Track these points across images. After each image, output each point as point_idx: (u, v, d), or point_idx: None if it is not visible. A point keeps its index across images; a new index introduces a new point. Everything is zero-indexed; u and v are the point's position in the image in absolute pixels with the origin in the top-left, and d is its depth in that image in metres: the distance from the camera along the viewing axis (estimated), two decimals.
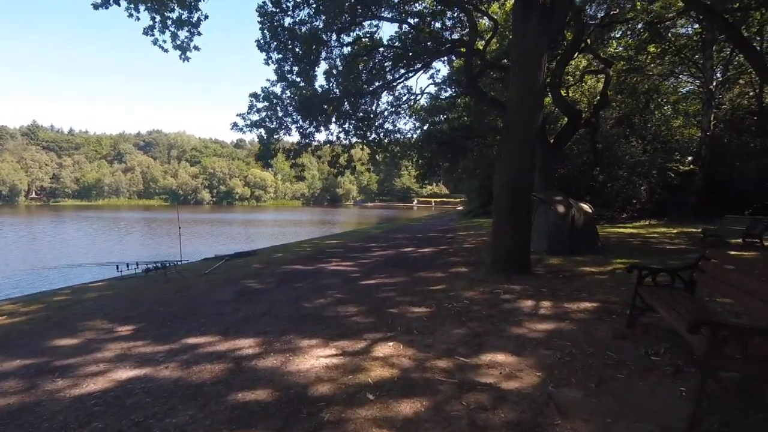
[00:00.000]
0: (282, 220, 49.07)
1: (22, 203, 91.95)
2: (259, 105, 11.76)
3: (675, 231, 14.73)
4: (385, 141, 19.38)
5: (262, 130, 11.89)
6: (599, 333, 4.03)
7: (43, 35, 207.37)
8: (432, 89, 19.93)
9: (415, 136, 23.78)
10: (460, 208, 63.22)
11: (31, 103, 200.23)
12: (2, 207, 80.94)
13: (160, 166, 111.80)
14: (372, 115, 15.98)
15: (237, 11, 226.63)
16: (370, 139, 16.63)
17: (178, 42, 8.49)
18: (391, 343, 3.94)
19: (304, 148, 13.37)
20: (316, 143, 13.71)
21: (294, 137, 13.21)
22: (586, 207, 10.17)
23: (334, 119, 13.72)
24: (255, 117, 11.91)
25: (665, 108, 26.49)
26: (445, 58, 19.60)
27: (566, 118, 16.55)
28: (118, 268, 7.60)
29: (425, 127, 23.69)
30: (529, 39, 6.85)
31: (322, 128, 13.52)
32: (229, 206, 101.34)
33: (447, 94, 21.74)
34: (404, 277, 7.57)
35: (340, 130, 14.59)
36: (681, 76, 25.12)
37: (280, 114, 12.10)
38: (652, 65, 21.88)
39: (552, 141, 16.51)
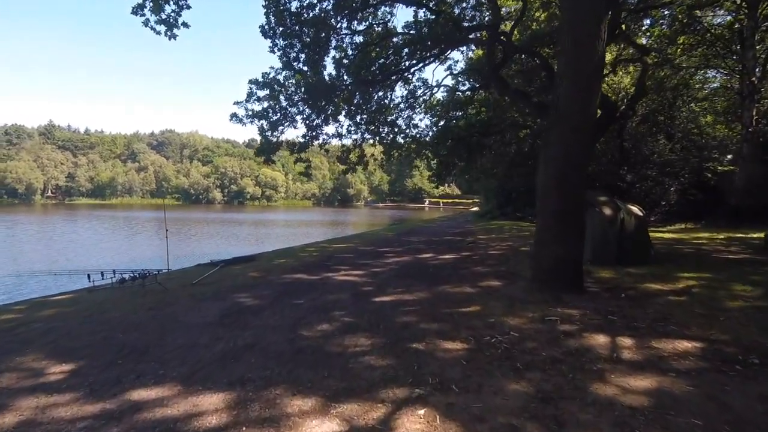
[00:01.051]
0: (291, 221, 48.15)
1: (38, 202, 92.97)
2: (261, 93, 10.61)
3: (722, 236, 13.15)
4: (399, 138, 18.11)
5: (264, 122, 10.69)
6: (734, 401, 2.69)
7: (66, 36, 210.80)
8: (449, 80, 18.59)
9: (430, 133, 22.45)
10: (475, 209, 61.54)
11: (49, 104, 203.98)
12: (19, 205, 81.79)
13: (173, 165, 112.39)
14: (385, 109, 14.72)
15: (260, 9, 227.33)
16: (383, 134, 15.37)
17: (164, 16, 7.34)
18: (422, 411, 2.67)
19: (311, 141, 12.12)
20: (324, 137, 12.48)
21: (299, 130, 11.99)
22: (635, 209, 8.75)
23: (344, 113, 12.48)
24: (256, 107, 10.73)
25: (694, 105, 24.86)
26: (464, 47, 18.30)
27: (599, 111, 15.09)
28: (89, 278, 6.45)
29: (441, 124, 22.35)
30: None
31: (330, 120, 12.25)
32: (240, 206, 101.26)
33: (464, 88, 20.40)
34: (426, 293, 6.29)
35: (351, 123, 13.34)
36: (712, 70, 23.39)
37: (284, 103, 10.88)
38: (682, 58, 20.28)
39: None
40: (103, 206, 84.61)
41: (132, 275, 6.61)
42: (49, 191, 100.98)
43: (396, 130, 17.32)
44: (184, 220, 45.24)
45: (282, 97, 10.77)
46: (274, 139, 11.13)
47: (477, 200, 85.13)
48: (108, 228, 34.91)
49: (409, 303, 5.64)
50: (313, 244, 14.69)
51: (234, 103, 10.50)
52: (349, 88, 11.36)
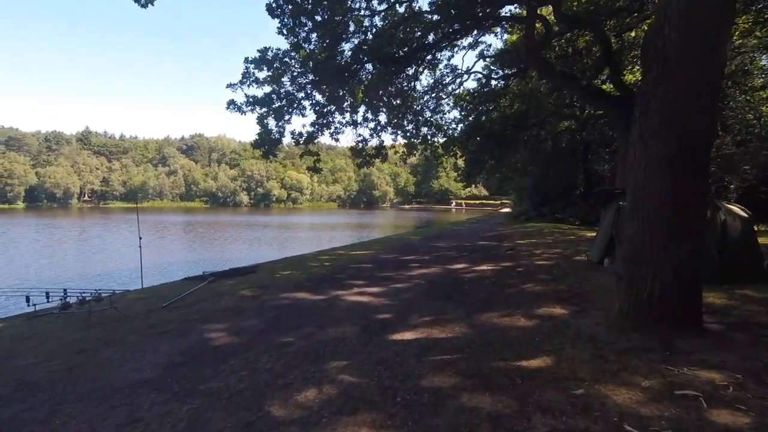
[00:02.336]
0: (315, 224, 47.11)
1: (75, 205, 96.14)
2: (261, 75, 9.04)
3: None
4: (424, 129, 16.32)
5: (266, 109, 9.10)
6: None
7: (104, 41, 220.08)
8: (480, 66, 16.72)
9: (459, 128, 20.53)
10: (506, 210, 58.80)
11: (86, 108, 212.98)
12: (57, 209, 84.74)
13: (201, 169, 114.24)
14: (408, 97, 12.99)
15: None
16: (406, 126, 13.64)
17: None
18: None
19: (320, 131, 10.49)
20: (336, 125, 10.81)
21: (308, 118, 10.40)
22: (737, 209, 6.69)
23: (361, 99, 10.80)
24: (256, 91, 9.19)
25: (751, 94, 21.94)
26: (498, 29, 16.35)
27: None
28: (28, 300, 5.03)
29: (471, 118, 20.39)
30: None
31: (346, 109, 10.60)
32: (266, 208, 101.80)
33: (498, 76, 18.41)
34: (464, 325, 4.53)
35: (367, 109, 11.66)
36: None
37: (289, 87, 9.30)
38: (741, 41, 17.64)
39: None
40: (135, 210, 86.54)
41: (80, 297, 5.14)
42: (86, 195, 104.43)
43: (420, 120, 15.57)
44: (209, 223, 44.89)
45: (286, 79, 9.18)
46: (276, 129, 9.52)
47: (506, 201, 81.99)
48: (132, 231, 34.71)
49: (442, 346, 3.88)
50: (329, 251, 13.10)
51: (227, 86, 8.96)
52: (367, 68, 9.67)
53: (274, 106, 9.10)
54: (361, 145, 12.09)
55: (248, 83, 8.90)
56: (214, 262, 17.86)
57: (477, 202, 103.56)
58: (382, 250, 12.30)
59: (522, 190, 28.56)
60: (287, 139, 10.16)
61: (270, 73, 8.88)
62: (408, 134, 16.00)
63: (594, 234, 11.62)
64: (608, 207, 8.08)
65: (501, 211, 64.50)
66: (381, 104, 12.64)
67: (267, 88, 9.18)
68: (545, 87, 18.04)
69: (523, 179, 26.68)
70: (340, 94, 9.96)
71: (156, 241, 27.41)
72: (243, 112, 8.98)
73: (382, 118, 12.05)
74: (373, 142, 12.28)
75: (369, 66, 9.66)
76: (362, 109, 11.29)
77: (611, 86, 16.90)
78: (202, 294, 6.55)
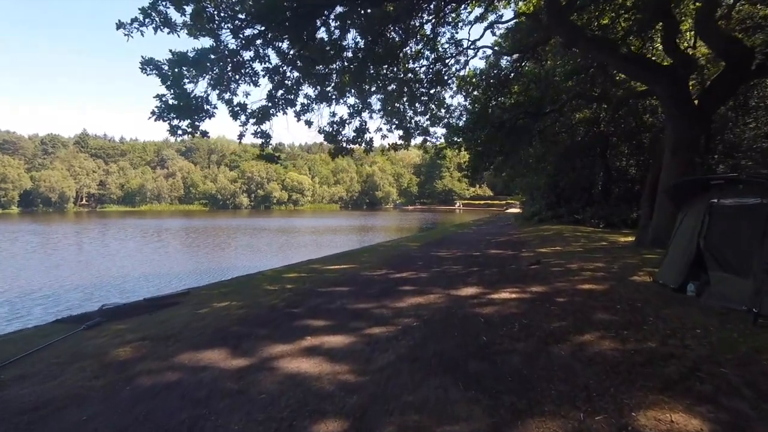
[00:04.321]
0: (314, 227, 44.50)
1: (71, 210, 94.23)
2: (176, 14, 6.33)
3: None
4: (421, 120, 13.76)
5: (199, 72, 6.53)
6: None
7: (98, 42, 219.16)
8: (489, 40, 14.22)
9: (463, 116, 17.94)
10: (513, 210, 56.00)
11: (86, 111, 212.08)
12: (52, 214, 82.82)
13: (200, 171, 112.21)
14: (403, 75, 10.44)
15: None
16: (398, 111, 11.08)
17: None
18: None
19: (279, 107, 7.85)
20: (304, 100, 8.22)
21: (262, 88, 7.78)
22: None
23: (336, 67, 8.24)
24: (170, 39, 6.61)
25: None
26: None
27: (723, 63, 10.23)
28: None
29: (477, 106, 17.80)
30: None
31: (317, 70, 7.92)
32: (267, 210, 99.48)
33: (510, 55, 15.81)
34: None
35: (349, 88, 9.10)
36: None
37: (231, 41, 6.67)
38: None
39: (696, 101, 10.23)
40: (132, 213, 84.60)
41: None
42: (84, 199, 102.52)
43: (418, 107, 13.02)
44: (203, 228, 42.35)
45: (226, 32, 6.57)
46: (204, 95, 6.84)
47: (512, 201, 79.08)
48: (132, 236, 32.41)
49: None
50: (302, 265, 10.47)
51: (117, 27, 6.14)
52: (337, 10, 7.06)
53: (213, 70, 6.54)
54: (335, 127, 9.39)
55: (155, 22, 6.18)
56: (183, 276, 15.40)
57: (482, 202, 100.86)
58: (369, 264, 9.73)
59: (534, 189, 25.88)
60: (221, 111, 7.61)
61: (192, 9, 6.10)
62: (403, 124, 13.48)
63: (637, 232, 9.02)
64: (690, 206, 5.46)
65: (507, 211, 61.68)
66: (369, 86, 10.14)
67: (187, 38, 6.57)
68: (566, 66, 15.40)
69: (536, 176, 24.01)
70: (305, 54, 7.38)
71: (143, 248, 25.02)
72: (167, 79, 6.39)
73: (374, 103, 9.45)
74: (353, 124, 9.56)
75: (339, 7, 7.04)
76: (336, 76, 8.62)
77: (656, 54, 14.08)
78: (46, 356, 4.01)
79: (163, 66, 6.18)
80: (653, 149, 20.66)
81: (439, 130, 16.02)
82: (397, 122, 13.81)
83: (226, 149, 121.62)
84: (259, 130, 7.80)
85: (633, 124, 20.60)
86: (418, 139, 15.76)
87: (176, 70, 6.10)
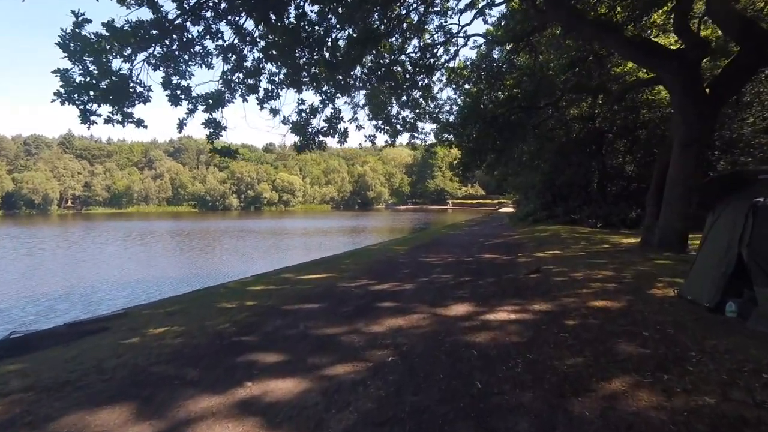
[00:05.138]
0: (304, 229, 43.28)
1: (55, 212, 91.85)
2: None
3: None
4: (409, 115, 12.77)
5: (140, 49, 5.39)
6: None
7: None
8: (482, 29, 13.26)
9: (454, 110, 17.00)
10: (506, 210, 55.18)
11: (71, 112, 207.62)
12: (35, 216, 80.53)
13: (189, 171, 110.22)
14: (386, 61, 9.40)
15: None
16: (380, 104, 10.06)
17: None
18: None
19: (235, 90, 6.69)
20: (268, 85, 7.07)
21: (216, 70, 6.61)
22: None
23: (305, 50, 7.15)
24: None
25: None
26: None
27: (736, 46, 9.33)
28: None
29: (468, 100, 16.87)
30: None
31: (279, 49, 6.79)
32: (257, 211, 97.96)
33: (502, 50, 14.87)
34: None
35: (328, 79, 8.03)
36: None
37: (173, 10, 5.56)
38: None
39: (707, 88, 9.33)
40: (119, 216, 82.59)
41: None
42: (69, 201, 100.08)
43: (405, 100, 12.01)
44: (188, 232, 40.85)
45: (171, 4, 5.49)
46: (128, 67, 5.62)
47: (504, 201, 78.37)
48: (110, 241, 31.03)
49: None
50: (273, 274, 9.33)
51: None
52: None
53: (153, 46, 5.41)
54: (303, 116, 8.20)
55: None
56: (160, 284, 14.31)
57: (474, 201, 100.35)
58: (349, 272, 8.68)
59: (529, 188, 25.00)
60: (156, 92, 6.51)
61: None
62: (389, 120, 12.48)
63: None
64: (726, 206, 4.49)
65: (500, 211, 60.96)
66: (346, 75, 9.07)
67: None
68: (561, 60, 14.48)
69: (530, 174, 23.13)
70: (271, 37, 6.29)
71: (122, 253, 23.74)
72: (74, 52, 5.14)
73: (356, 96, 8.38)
74: (326, 112, 8.33)
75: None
76: (306, 56, 7.47)
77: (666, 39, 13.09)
78: None
79: (69, 41, 4.98)
80: (651, 145, 19.89)
81: (428, 126, 15.11)
82: (382, 118, 12.82)
83: None
84: (210, 118, 6.66)
85: (633, 116, 19.75)
86: (406, 138, 14.80)
87: (96, 44, 4.97)
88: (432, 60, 12.57)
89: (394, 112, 13.10)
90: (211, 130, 6.77)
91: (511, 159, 20.39)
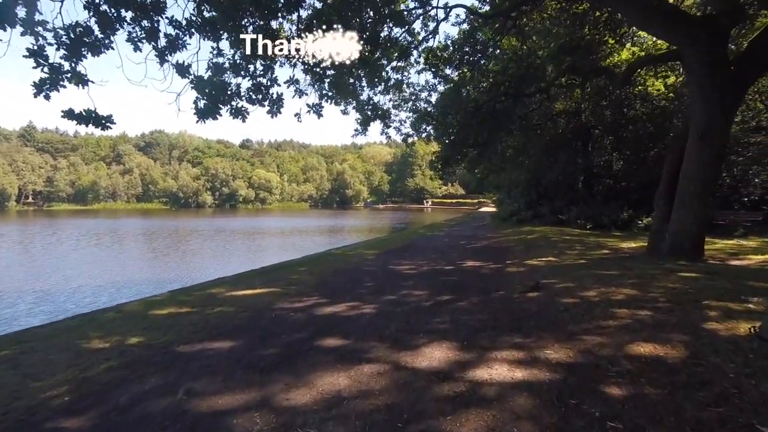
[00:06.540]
0: (270, 229, 40.84)
1: (13, 209, 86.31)
2: None
3: None
4: (382, 100, 10.98)
5: None
6: None
7: None
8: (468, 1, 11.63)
9: (432, 97, 15.32)
10: (487, 209, 53.97)
11: (33, 104, 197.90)
12: None
13: (161, 167, 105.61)
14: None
15: None
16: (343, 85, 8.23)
17: None
18: None
19: (112, 30, 4.67)
20: (170, 31, 5.10)
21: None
22: None
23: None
24: None
25: None
26: None
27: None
28: None
29: (448, 86, 15.20)
30: None
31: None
32: (232, 209, 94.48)
33: (487, 26, 13.23)
34: None
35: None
36: None
37: None
38: None
39: (732, 62, 7.83)
40: (84, 212, 77.85)
41: None
42: (29, 197, 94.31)
43: (379, 86, 10.23)
44: (153, 231, 37.86)
45: None
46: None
47: (483, 200, 77.29)
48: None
49: None
50: (198, 289, 7.34)
51: None
52: None
53: None
54: (219, 75, 6.06)
55: None
56: (100, 291, 12.14)
57: (453, 201, 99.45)
58: (298, 285, 6.80)
59: (512, 186, 23.55)
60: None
61: None
62: (361, 105, 10.68)
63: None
64: None
65: (480, 210, 59.83)
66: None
67: None
68: (551, 45, 12.92)
69: (515, 171, 21.66)
70: None
71: (70, 254, 21.07)
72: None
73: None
74: (254, 70, 6.16)
75: None
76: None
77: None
78: None
79: None
80: (640, 142, 18.68)
81: (403, 114, 13.33)
82: (351, 100, 11.01)
83: (189, 144, 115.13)
84: (70, 68, 4.57)
85: (624, 109, 18.45)
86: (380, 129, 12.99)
87: None
88: (407, 37, 10.81)
89: (364, 95, 11.34)
90: (78, 84, 4.50)
91: (494, 153, 18.84)
